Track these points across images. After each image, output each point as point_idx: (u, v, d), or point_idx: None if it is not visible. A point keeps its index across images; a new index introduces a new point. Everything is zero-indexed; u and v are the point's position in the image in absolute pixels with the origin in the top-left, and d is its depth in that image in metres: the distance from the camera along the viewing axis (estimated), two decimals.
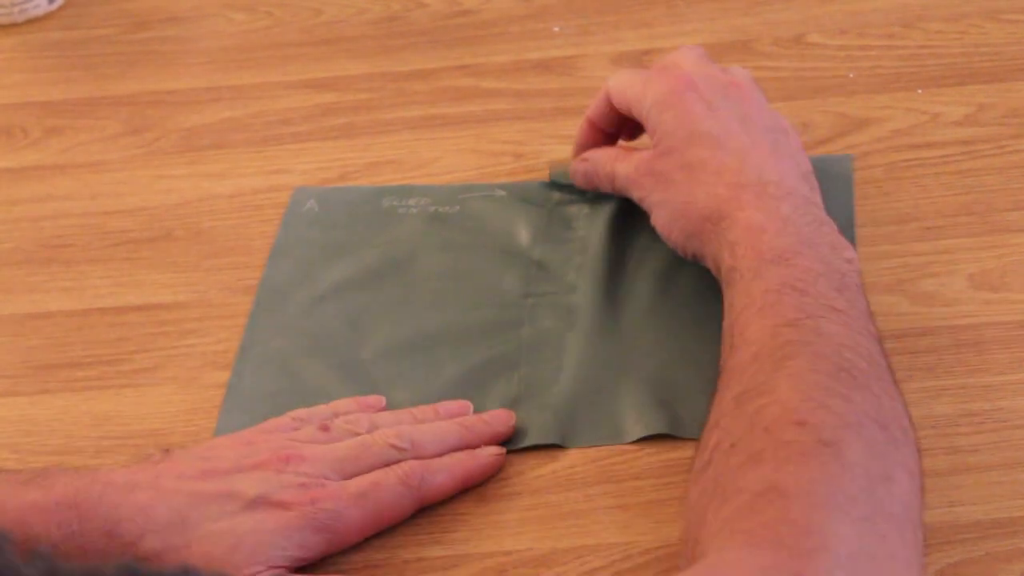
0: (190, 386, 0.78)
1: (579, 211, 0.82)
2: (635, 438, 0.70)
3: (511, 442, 0.71)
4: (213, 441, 0.71)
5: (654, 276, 0.78)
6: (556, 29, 0.99)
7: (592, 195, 0.82)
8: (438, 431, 0.70)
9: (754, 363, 0.62)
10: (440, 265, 0.81)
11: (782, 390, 0.60)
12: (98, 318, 0.82)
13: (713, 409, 0.62)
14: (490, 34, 1.00)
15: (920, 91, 0.90)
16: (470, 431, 0.70)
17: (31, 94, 1.00)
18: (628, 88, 0.77)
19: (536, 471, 0.70)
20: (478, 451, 0.70)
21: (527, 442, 0.71)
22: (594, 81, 0.94)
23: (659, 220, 0.75)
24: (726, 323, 0.67)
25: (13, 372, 0.80)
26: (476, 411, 0.72)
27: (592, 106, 0.81)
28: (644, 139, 0.80)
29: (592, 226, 0.81)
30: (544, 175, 0.86)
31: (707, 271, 0.73)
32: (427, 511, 0.69)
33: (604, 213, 0.81)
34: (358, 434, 0.69)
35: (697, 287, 0.75)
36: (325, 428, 0.70)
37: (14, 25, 1.06)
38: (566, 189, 0.84)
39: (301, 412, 0.72)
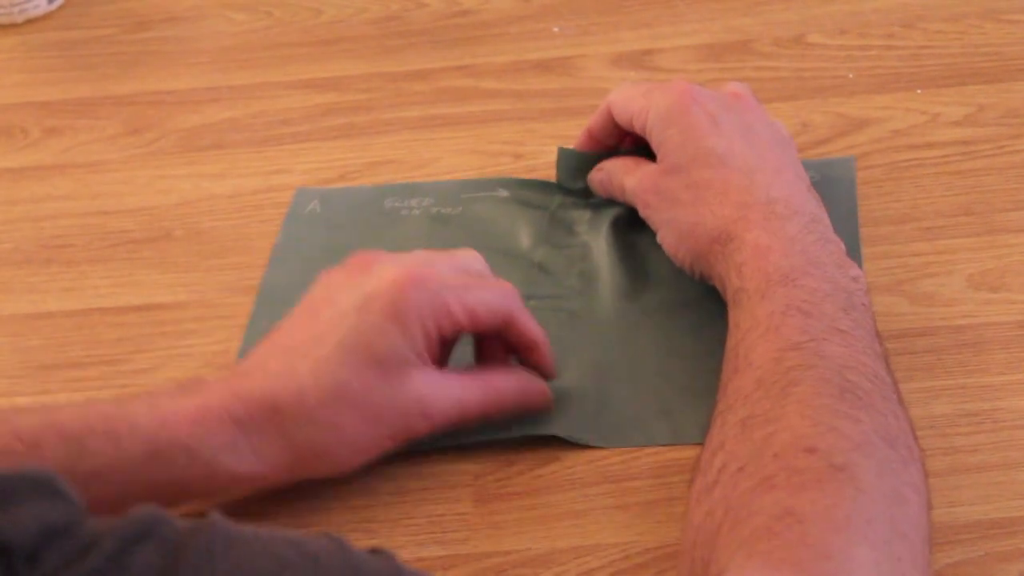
0: None
1: (581, 216, 0.82)
2: (634, 446, 0.70)
3: (510, 430, 0.71)
4: (271, 335, 0.71)
5: (656, 283, 0.78)
6: (556, 29, 0.99)
7: (595, 199, 0.83)
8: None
9: (759, 388, 0.62)
10: None
11: (790, 417, 0.59)
12: (98, 318, 0.82)
13: (715, 430, 0.62)
14: (490, 34, 1.00)
15: (920, 91, 0.90)
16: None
17: (31, 94, 1.00)
18: (630, 102, 0.78)
19: (535, 471, 0.70)
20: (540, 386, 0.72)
21: (526, 431, 0.71)
22: (594, 81, 0.94)
23: (666, 240, 0.75)
24: (730, 343, 0.67)
25: (13, 372, 0.80)
26: None
27: (593, 119, 0.81)
28: None
29: (594, 231, 0.81)
30: (544, 173, 0.85)
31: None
32: (426, 511, 0.69)
33: (606, 218, 0.81)
34: None
35: (698, 295, 0.75)
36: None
37: (14, 25, 1.06)
38: (569, 191, 0.83)
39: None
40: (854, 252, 0.75)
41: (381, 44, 1.00)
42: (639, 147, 0.79)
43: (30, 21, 1.07)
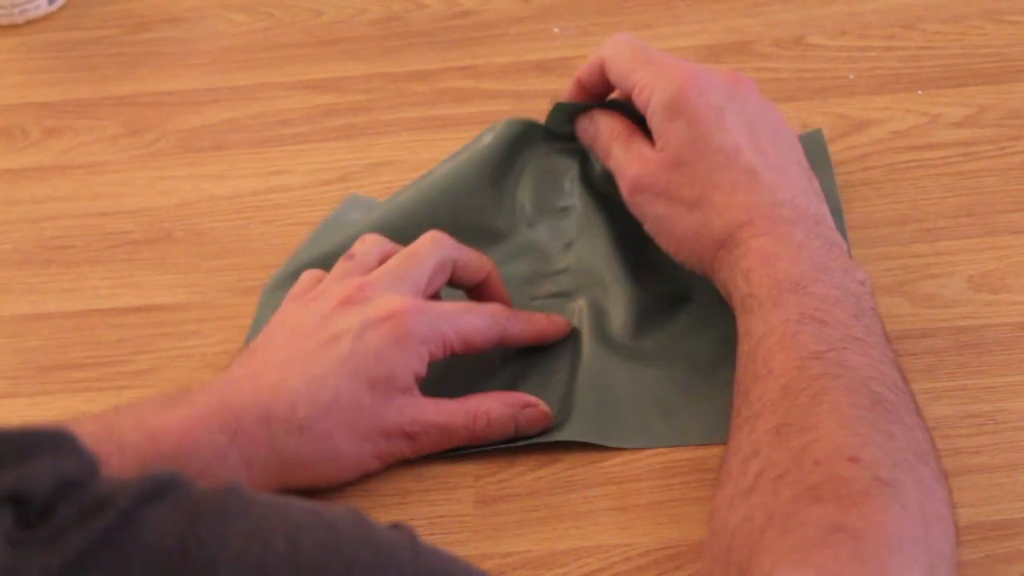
0: None
1: (568, 177, 0.82)
2: (635, 447, 0.70)
3: (514, 440, 0.71)
4: (276, 317, 0.73)
5: (655, 280, 0.78)
6: (556, 30, 0.99)
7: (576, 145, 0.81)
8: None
9: (786, 397, 0.61)
10: None
11: (826, 426, 0.59)
12: (98, 319, 0.82)
13: (743, 436, 0.62)
14: (490, 35, 1.00)
15: (920, 92, 0.90)
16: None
17: (31, 95, 1.00)
18: (631, 72, 0.75)
19: (536, 473, 0.70)
20: (554, 316, 0.76)
21: (530, 440, 0.71)
22: None
23: (662, 236, 0.74)
24: (745, 348, 0.66)
25: (13, 373, 0.79)
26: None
27: (584, 71, 0.78)
28: None
29: (584, 202, 0.80)
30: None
31: None
32: (427, 512, 0.69)
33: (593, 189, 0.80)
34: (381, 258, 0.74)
35: (698, 293, 0.75)
36: (350, 257, 0.74)
37: (14, 26, 1.06)
38: (555, 135, 0.81)
39: (309, 275, 0.75)
40: (837, 217, 0.77)
41: (381, 45, 1.00)
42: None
43: (30, 22, 1.06)
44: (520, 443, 0.71)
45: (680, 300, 0.76)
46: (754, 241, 0.69)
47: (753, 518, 0.57)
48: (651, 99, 0.73)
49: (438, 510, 0.69)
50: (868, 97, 0.90)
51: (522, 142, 0.82)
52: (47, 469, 0.46)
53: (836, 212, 0.79)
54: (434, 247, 0.74)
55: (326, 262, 0.76)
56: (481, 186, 0.81)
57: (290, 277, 0.79)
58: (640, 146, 0.75)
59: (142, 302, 0.83)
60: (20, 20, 1.06)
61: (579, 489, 0.69)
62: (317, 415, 0.68)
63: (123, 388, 0.78)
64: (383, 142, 0.92)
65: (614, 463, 0.70)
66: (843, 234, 0.79)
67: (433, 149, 0.90)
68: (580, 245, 0.79)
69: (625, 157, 0.75)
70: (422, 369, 0.70)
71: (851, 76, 0.92)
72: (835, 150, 0.86)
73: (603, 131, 0.77)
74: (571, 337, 0.76)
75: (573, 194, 0.81)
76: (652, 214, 0.74)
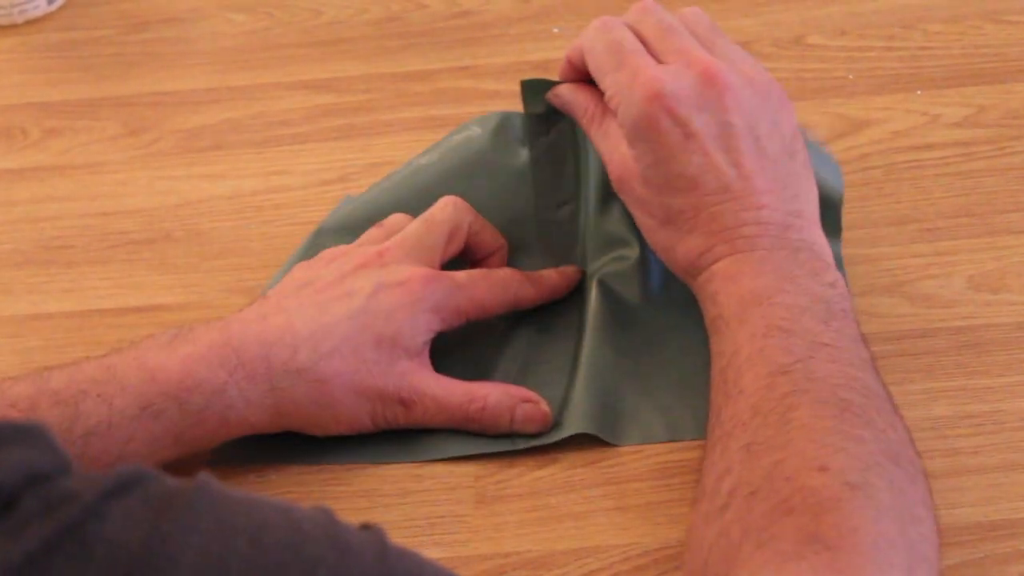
0: None
1: (564, 171, 0.81)
2: (631, 443, 0.70)
3: (513, 442, 0.71)
4: (294, 271, 0.75)
5: (651, 278, 0.78)
6: (556, 30, 0.99)
7: (560, 125, 0.80)
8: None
9: (756, 416, 0.61)
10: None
11: (796, 443, 0.59)
12: (98, 319, 0.82)
13: (717, 455, 0.62)
14: (489, 35, 1.00)
15: (919, 92, 0.90)
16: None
17: (30, 95, 1.00)
18: (602, 75, 0.72)
19: (535, 473, 0.70)
20: (564, 268, 0.78)
21: (531, 443, 0.71)
22: None
23: (643, 233, 0.73)
24: (715, 368, 0.66)
25: (13, 374, 0.79)
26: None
27: (572, 50, 0.76)
28: None
29: (580, 194, 0.80)
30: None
31: None
32: (427, 512, 0.69)
33: (588, 179, 0.80)
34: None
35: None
36: (380, 225, 0.77)
37: (13, 26, 1.06)
38: (537, 117, 0.80)
39: (337, 248, 0.77)
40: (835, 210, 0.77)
41: (381, 45, 1.00)
42: None
43: (30, 22, 1.06)
44: (522, 445, 0.71)
45: (677, 300, 0.76)
46: (716, 265, 0.69)
47: (729, 534, 0.57)
48: (619, 111, 0.71)
49: (438, 510, 0.69)
50: (868, 97, 0.90)
51: (512, 136, 0.82)
52: (15, 461, 0.46)
53: (834, 204, 0.78)
54: (451, 211, 0.76)
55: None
56: (478, 186, 0.81)
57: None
58: (616, 132, 0.72)
59: (142, 302, 0.83)
60: (20, 20, 1.06)
61: (578, 489, 0.69)
62: (317, 361, 0.69)
63: None
64: (383, 142, 0.92)
65: (613, 463, 0.70)
66: (837, 216, 0.78)
67: None
68: (582, 209, 0.79)
69: (604, 146, 0.73)
70: (431, 335, 0.72)
71: (850, 76, 0.92)
72: (835, 150, 0.86)
73: (577, 112, 0.76)
74: (572, 336, 0.76)
75: (573, 185, 0.81)
76: (634, 214, 0.73)
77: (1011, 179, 0.83)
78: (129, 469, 0.48)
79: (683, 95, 0.69)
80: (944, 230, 0.80)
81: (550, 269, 0.78)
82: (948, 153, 0.85)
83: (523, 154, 0.81)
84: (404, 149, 0.91)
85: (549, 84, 0.79)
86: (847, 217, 0.81)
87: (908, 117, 0.88)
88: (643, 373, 0.74)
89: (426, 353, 0.72)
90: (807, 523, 0.55)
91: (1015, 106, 0.88)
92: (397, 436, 0.72)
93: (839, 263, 0.74)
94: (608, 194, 0.78)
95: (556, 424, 0.72)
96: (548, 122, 0.81)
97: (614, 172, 0.73)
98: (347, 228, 0.80)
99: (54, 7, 1.07)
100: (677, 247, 0.71)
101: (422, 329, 0.71)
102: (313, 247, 0.80)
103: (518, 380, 0.74)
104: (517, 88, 0.89)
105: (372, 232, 0.77)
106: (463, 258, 0.78)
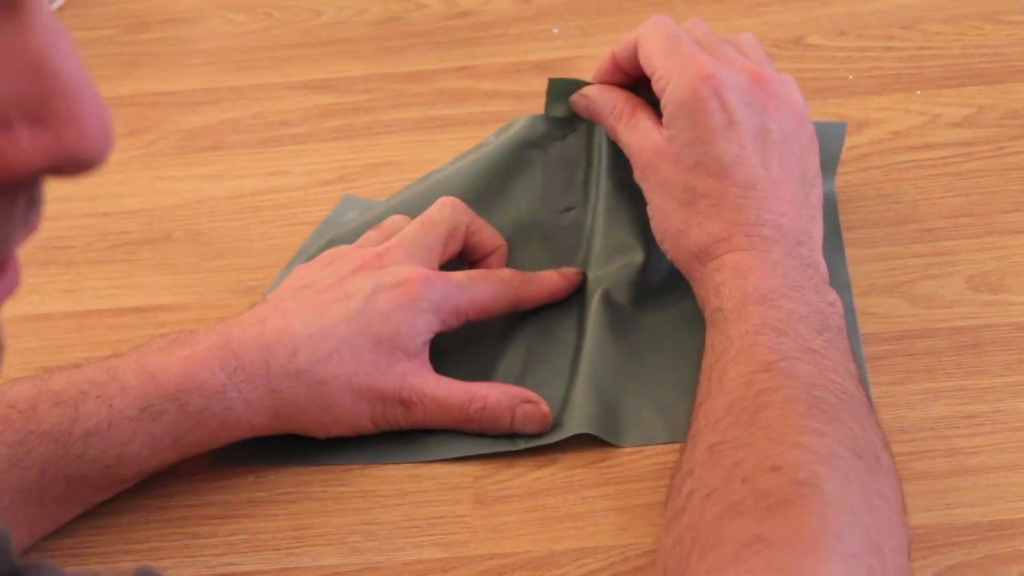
0: None
1: (573, 179, 0.81)
2: (631, 444, 0.70)
3: (513, 442, 0.71)
4: (293, 274, 0.75)
5: (652, 278, 0.78)
6: (555, 30, 0.99)
7: (579, 131, 0.81)
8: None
9: (729, 414, 0.62)
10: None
11: (758, 443, 0.59)
12: (97, 320, 0.82)
13: (686, 455, 0.62)
14: (489, 35, 1.00)
15: (919, 92, 0.90)
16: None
17: None
18: (655, 59, 0.74)
19: (534, 473, 0.70)
20: (565, 269, 0.78)
21: (530, 443, 0.71)
22: None
23: (654, 224, 0.74)
24: (705, 364, 0.67)
25: (12, 374, 0.79)
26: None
27: (620, 46, 0.77)
28: None
29: (587, 201, 0.80)
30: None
31: None
32: (426, 513, 0.69)
33: (599, 185, 0.80)
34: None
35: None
36: (378, 228, 0.77)
37: None
38: (557, 121, 0.81)
39: (336, 250, 0.77)
40: (831, 215, 0.79)
41: (381, 45, 1.00)
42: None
43: None
44: (522, 445, 0.71)
45: (677, 300, 0.76)
46: (729, 256, 0.69)
47: (683, 540, 0.57)
48: (666, 90, 0.72)
49: (438, 510, 0.69)
50: (867, 97, 0.90)
51: (526, 140, 0.82)
52: None
53: (831, 210, 0.79)
54: (448, 211, 0.76)
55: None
56: (485, 188, 0.81)
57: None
58: (647, 125, 0.74)
59: (142, 302, 0.83)
60: None
61: (578, 490, 0.69)
62: (316, 363, 0.69)
63: None
64: (382, 142, 0.92)
65: (612, 464, 0.70)
66: (836, 230, 0.79)
67: (432, 149, 0.90)
68: (589, 215, 0.79)
69: (633, 139, 0.74)
70: (430, 336, 0.72)
71: (850, 76, 0.92)
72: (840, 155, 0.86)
73: (604, 111, 0.77)
74: (572, 337, 0.76)
75: (580, 193, 0.81)
76: (651, 201, 0.74)
77: (1011, 179, 0.83)
78: (47, 566, 0.46)
79: (734, 86, 0.72)
80: (944, 230, 0.80)
81: (551, 270, 0.78)
82: (948, 153, 0.85)
83: (533, 157, 0.82)
84: (404, 149, 0.91)
85: (576, 84, 0.79)
86: (847, 218, 0.81)
87: (908, 117, 0.88)
88: (643, 374, 0.74)
89: (425, 354, 0.72)
90: (753, 525, 0.55)
91: (1015, 106, 0.88)
92: (397, 437, 0.72)
93: (852, 319, 0.75)
94: (618, 204, 0.78)
95: (556, 425, 0.72)
96: (565, 128, 0.81)
97: (642, 158, 0.73)
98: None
99: (54, 7, 1.07)
100: (692, 231, 0.71)
101: (421, 330, 0.71)
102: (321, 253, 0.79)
103: (518, 381, 0.74)
104: (517, 88, 0.89)
105: (371, 234, 0.77)
106: (462, 259, 0.78)
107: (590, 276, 0.78)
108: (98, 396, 0.67)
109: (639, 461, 0.70)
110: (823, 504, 0.56)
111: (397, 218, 0.78)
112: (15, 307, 0.84)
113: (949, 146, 0.85)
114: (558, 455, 0.71)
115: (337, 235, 0.81)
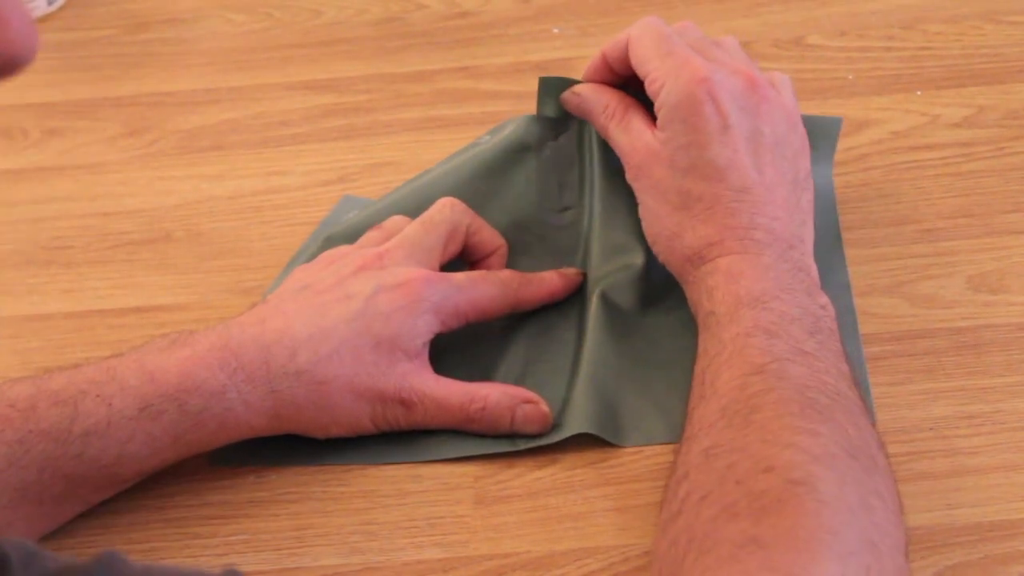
0: None
1: (569, 179, 0.81)
2: (632, 444, 0.70)
3: (514, 442, 0.71)
4: (293, 274, 0.75)
5: (651, 279, 0.78)
6: (556, 31, 0.99)
7: (571, 129, 0.81)
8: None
9: (722, 418, 0.62)
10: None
11: (751, 445, 0.59)
12: (97, 320, 0.82)
13: (680, 459, 0.62)
14: (489, 36, 1.00)
15: (919, 93, 0.90)
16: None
17: (30, 95, 1.00)
18: (648, 61, 0.73)
19: (535, 474, 0.70)
20: (565, 270, 0.78)
21: (530, 444, 0.71)
22: None
23: (646, 226, 0.74)
24: (698, 368, 0.67)
25: (12, 374, 0.79)
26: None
27: (611, 45, 0.76)
28: None
29: (584, 202, 0.80)
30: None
31: None
32: (426, 513, 0.69)
33: (594, 187, 0.80)
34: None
35: None
36: (379, 228, 0.77)
37: None
38: (549, 120, 0.81)
39: (336, 250, 0.77)
40: (831, 214, 0.79)
41: (381, 45, 1.00)
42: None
43: None
44: (523, 445, 0.71)
45: (676, 301, 0.76)
46: (722, 260, 0.69)
47: (678, 542, 0.57)
48: (660, 93, 0.72)
49: (438, 511, 0.69)
50: (867, 97, 0.90)
51: (520, 141, 0.82)
52: None
53: (830, 210, 0.79)
54: (449, 212, 0.76)
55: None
56: (480, 190, 0.81)
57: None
58: (640, 126, 0.74)
59: (142, 302, 0.83)
60: None
61: (578, 490, 0.69)
62: (316, 363, 0.69)
63: None
64: (382, 143, 0.92)
65: (613, 464, 0.70)
66: (836, 230, 0.79)
67: (432, 150, 0.90)
68: (586, 215, 0.79)
69: (625, 139, 0.74)
70: (430, 337, 0.72)
71: (850, 77, 0.92)
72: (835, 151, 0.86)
73: (596, 110, 0.77)
74: (573, 337, 0.76)
75: (576, 193, 0.81)
76: (643, 202, 0.74)
77: (1011, 179, 0.83)
78: (28, 549, 0.47)
79: (728, 89, 0.72)
80: (944, 230, 0.80)
81: (551, 271, 0.78)
82: (948, 153, 0.85)
83: (527, 158, 0.81)
84: (404, 149, 0.91)
85: (567, 83, 0.79)
86: (847, 218, 0.81)
87: (908, 117, 0.88)
88: (644, 374, 0.74)
89: (425, 354, 0.72)
90: (748, 527, 0.55)
91: (1015, 106, 0.88)
92: (397, 437, 0.72)
93: (852, 320, 0.75)
94: (613, 203, 0.78)
95: (556, 425, 0.72)
96: (557, 127, 0.81)
97: (634, 159, 0.73)
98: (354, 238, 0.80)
99: (54, 7, 1.07)
100: (686, 234, 0.71)
101: (421, 331, 0.71)
102: (320, 252, 0.80)
103: (519, 381, 0.74)
104: (517, 89, 0.89)
105: (371, 234, 0.77)
106: (462, 259, 0.78)
107: (589, 276, 0.78)
108: (97, 395, 0.67)
109: (639, 461, 0.70)
110: (818, 503, 0.56)
111: (397, 218, 0.78)
112: (15, 307, 0.84)
113: (949, 146, 0.85)
114: (558, 455, 0.71)
115: (334, 233, 0.81)
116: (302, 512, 0.70)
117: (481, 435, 0.72)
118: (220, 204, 0.89)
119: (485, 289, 0.74)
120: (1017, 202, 0.81)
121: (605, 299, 0.76)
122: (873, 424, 0.63)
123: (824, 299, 0.69)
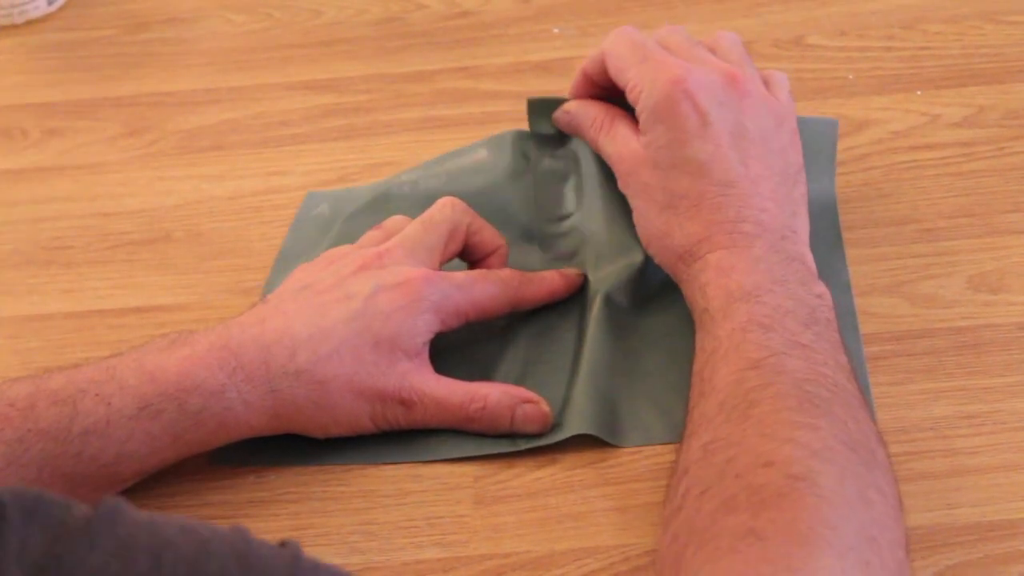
0: None
1: (566, 190, 0.82)
2: (631, 444, 0.71)
3: (514, 442, 0.71)
4: (293, 274, 0.75)
5: (650, 279, 0.78)
6: (556, 30, 0.99)
7: (568, 146, 0.81)
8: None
9: (720, 413, 0.62)
10: None
11: (750, 440, 0.59)
12: (97, 320, 0.82)
13: (681, 456, 0.62)
14: (489, 36, 1.00)
15: (919, 93, 0.90)
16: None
17: (30, 95, 1.00)
18: (626, 70, 0.75)
19: (534, 473, 0.70)
20: (566, 270, 0.78)
21: (531, 443, 0.71)
22: None
23: (639, 225, 0.74)
24: (696, 366, 0.67)
25: (12, 374, 0.79)
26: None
27: (588, 61, 0.78)
28: None
29: (582, 208, 0.80)
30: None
31: None
32: (426, 513, 0.69)
33: (591, 191, 0.80)
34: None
35: None
36: (379, 227, 0.77)
37: (13, 27, 1.06)
38: (543, 138, 0.82)
39: (336, 250, 0.76)
40: (831, 214, 0.79)
41: (381, 45, 1.00)
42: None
43: (30, 22, 1.07)
44: (523, 446, 0.71)
45: (675, 301, 0.76)
46: (712, 255, 0.70)
47: (679, 537, 0.58)
48: (640, 98, 0.73)
49: (438, 510, 0.69)
50: (868, 97, 0.90)
51: (516, 153, 0.83)
52: None
53: (831, 210, 0.79)
54: (449, 211, 0.76)
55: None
56: (476, 202, 0.81)
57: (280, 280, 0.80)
58: (625, 133, 0.75)
59: (142, 302, 0.83)
60: (20, 20, 1.06)
61: (578, 490, 0.69)
62: (316, 363, 0.69)
63: None
64: (382, 143, 0.92)
65: (612, 464, 0.70)
66: (836, 230, 0.79)
67: (432, 150, 0.90)
68: (586, 219, 0.79)
69: (613, 148, 0.75)
70: (430, 336, 0.72)
71: (850, 76, 0.92)
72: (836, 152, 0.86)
73: (584, 124, 0.78)
74: (573, 337, 0.76)
75: (574, 202, 0.81)
76: (635, 206, 0.74)
77: (1011, 179, 0.83)
78: (31, 493, 0.47)
79: (706, 86, 0.72)
80: (944, 230, 0.80)
81: (552, 271, 0.78)
82: (948, 153, 0.85)
83: (521, 170, 0.82)
84: (404, 149, 0.91)
85: (556, 103, 0.80)
86: (847, 218, 0.81)
87: (908, 117, 0.88)
88: (644, 374, 0.74)
89: (425, 354, 0.72)
90: (747, 520, 0.55)
91: (1015, 106, 0.88)
92: (397, 437, 0.72)
93: (852, 320, 0.75)
94: (612, 208, 0.78)
95: (556, 425, 0.72)
96: (552, 144, 0.81)
97: (623, 166, 0.74)
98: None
99: (54, 7, 1.07)
100: (675, 232, 0.71)
101: (421, 330, 0.71)
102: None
103: (519, 381, 0.74)
104: (517, 89, 0.89)
105: (371, 234, 0.77)
106: (463, 259, 0.78)
107: (590, 277, 0.78)
108: (97, 395, 0.67)
109: (639, 461, 0.70)
110: (817, 498, 0.56)
111: (398, 218, 0.78)
112: (15, 307, 0.84)
113: (949, 146, 0.85)
114: (558, 455, 0.71)
115: (336, 232, 0.81)
116: (302, 512, 0.70)
117: (481, 435, 0.72)
118: (220, 204, 0.89)
119: (485, 288, 0.74)
120: (1017, 202, 0.81)
121: (605, 299, 0.76)
122: (873, 417, 0.63)
123: (821, 288, 0.68)
